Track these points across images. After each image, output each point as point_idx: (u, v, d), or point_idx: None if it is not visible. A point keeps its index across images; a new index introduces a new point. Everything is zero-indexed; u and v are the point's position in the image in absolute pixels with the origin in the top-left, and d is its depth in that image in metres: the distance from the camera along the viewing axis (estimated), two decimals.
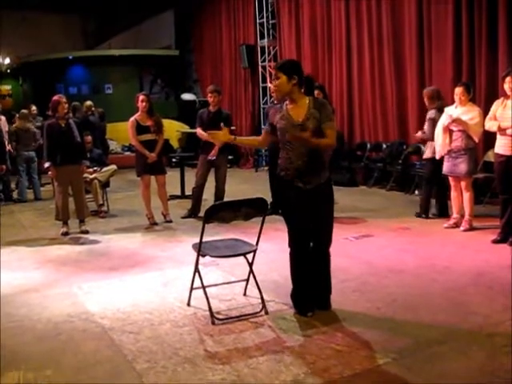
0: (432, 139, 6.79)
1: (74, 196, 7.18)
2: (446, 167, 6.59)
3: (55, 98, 7.00)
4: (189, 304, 4.37)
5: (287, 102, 4.07)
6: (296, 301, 4.18)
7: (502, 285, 4.55)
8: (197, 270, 4.21)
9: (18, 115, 10.70)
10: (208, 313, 4.05)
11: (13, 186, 10.30)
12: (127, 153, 15.02)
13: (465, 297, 4.38)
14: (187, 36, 17.45)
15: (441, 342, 3.56)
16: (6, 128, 10.25)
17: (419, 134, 7.26)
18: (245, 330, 3.87)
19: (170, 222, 7.56)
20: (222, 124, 4.42)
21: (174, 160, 11.77)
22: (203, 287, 4.15)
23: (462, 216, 6.60)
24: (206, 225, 4.01)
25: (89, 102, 11.88)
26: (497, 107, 5.95)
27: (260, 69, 13.64)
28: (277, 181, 4.32)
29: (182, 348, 3.61)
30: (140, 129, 7.36)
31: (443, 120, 6.52)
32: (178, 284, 4.89)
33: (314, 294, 4.18)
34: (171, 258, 5.84)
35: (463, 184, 6.49)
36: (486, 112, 6.27)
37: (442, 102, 6.97)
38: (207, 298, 4.10)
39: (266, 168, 11.23)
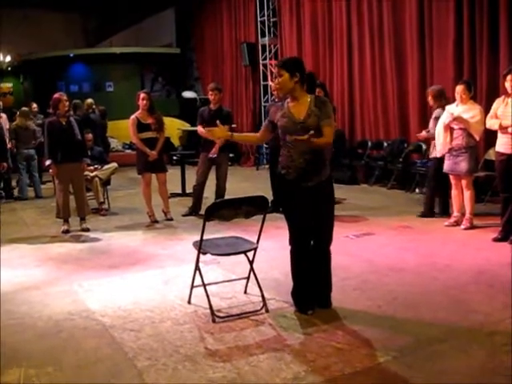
0: None
1: (74, 194, 7.18)
2: (446, 165, 6.59)
3: (56, 95, 7.01)
4: (189, 302, 4.37)
5: (288, 99, 4.07)
6: (297, 299, 4.18)
7: (502, 283, 4.54)
8: (197, 267, 4.22)
9: (18, 113, 10.70)
10: (209, 311, 4.05)
11: (14, 183, 10.32)
12: (128, 151, 15.01)
13: (465, 295, 4.38)
14: (188, 34, 17.45)
15: (441, 340, 3.56)
16: (6, 126, 10.27)
17: (423, 133, 7.25)
18: (245, 328, 3.87)
19: (171, 219, 7.56)
20: (218, 121, 4.42)
21: (174, 158, 11.76)
22: (204, 285, 4.15)
23: (463, 214, 6.59)
24: (207, 223, 4.01)
25: (89, 100, 11.90)
26: (498, 105, 5.95)
27: (261, 67, 13.64)
28: (278, 179, 4.31)
29: (183, 346, 3.61)
30: (141, 127, 7.36)
31: (444, 118, 6.52)
32: (179, 282, 4.89)
33: (315, 291, 4.18)
34: (172, 256, 5.85)
35: (464, 182, 6.49)
36: (486, 110, 6.27)
37: (446, 101, 6.95)
38: (208, 296, 4.10)
39: (267, 166, 11.22)
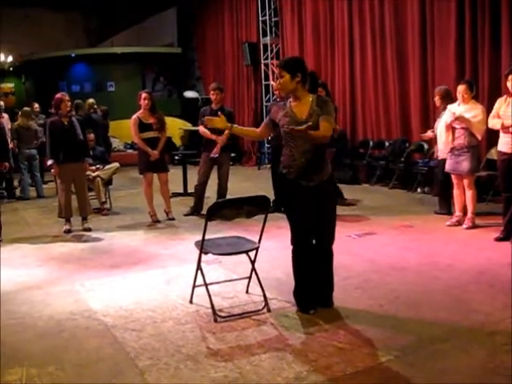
0: None
1: (76, 194, 7.19)
2: (448, 165, 6.58)
3: (58, 95, 7.02)
4: (191, 301, 4.37)
5: (291, 99, 4.07)
6: (298, 298, 4.18)
7: (503, 283, 4.54)
8: (199, 267, 4.22)
9: (20, 113, 10.71)
10: (210, 310, 4.06)
11: (16, 183, 10.33)
12: (130, 150, 15.01)
13: (467, 294, 4.38)
14: (190, 34, 17.43)
15: (443, 340, 3.56)
16: (8, 126, 10.28)
17: (429, 133, 7.24)
18: (247, 328, 3.88)
19: (173, 219, 7.56)
20: (219, 112, 4.41)
21: (176, 158, 11.77)
22: (205, 285, 4.16)
23: (465, 214, 6.59)
24: (209, 222, 4.02)
25: (91, 100, 11.90)
26: (500, 105, 5.95)
27: (262, 66, 13.64)
28: (279, 178, 4.31)
29: (185, 345, 3.61)
30: (142, 126, 7.36)
31: (446, 118, 6.52)
32: (181, 281, 4.89)
33: (317, 291, 4.19)
34: (174, 256, 5.85)
35: (466, 182, 6.48)
36: (488, 110, 6.27)
37: (452, 101, 6.92)
38: (209, 296, 4.10)
39: (269, 165, 11.21)
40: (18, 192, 10.18)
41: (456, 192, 6.69)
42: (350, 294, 4.47)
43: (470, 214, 6.51)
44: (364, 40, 10.58)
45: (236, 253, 4.26)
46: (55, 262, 5.79)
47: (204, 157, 7.75)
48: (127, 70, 17.89)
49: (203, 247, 4.12)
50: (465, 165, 6.41)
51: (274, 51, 13.42)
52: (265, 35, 13.44)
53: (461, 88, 6.44)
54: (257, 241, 4.29)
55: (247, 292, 4.55)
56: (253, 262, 4.31)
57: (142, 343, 3.67)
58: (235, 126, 4.46)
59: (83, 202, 7.15)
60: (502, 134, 5.92)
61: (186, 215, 7.80)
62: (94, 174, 8.23)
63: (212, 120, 4.44)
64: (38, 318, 4.19)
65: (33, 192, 10.21)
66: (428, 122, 8.98)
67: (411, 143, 9.57)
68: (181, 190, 9.56)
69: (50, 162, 6.96)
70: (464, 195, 6.56)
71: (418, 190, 9.08)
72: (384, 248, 5.86)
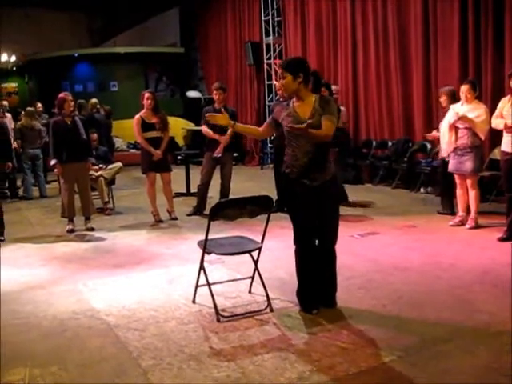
0: None
1: (79, 193, 7.20)
2: (451, 165, 6.57)
3: (61, 95, 7.02)
4: (194, 301, 4.38)
5: (294, 99, 4.07)
6: (301, 298, 4.18)
7: (506, 283, 4.52)
8: (202, 267, 4.22)
9: (23, 113, 10.72)
10: (213, 310, 4.06)
11: (19, 183, 10.34)
12: (133, 150, 15.04)
13: (470, 294, 4.37)
14: (192, 33, 17.45)
15: (446, 340, 3.55)
16: (12, 125, 10.29)
17: (434, 133, 7.23)
18: (250, 328, 3.87)
19: (176, 219, 7.57)
20: (222, 109, 4.41)
21: (179, 157, 11.77)
22: (208, 284, 4.16)
23: (468, 214, 6.58)
24: (212, 222, 4.02)
25: (94, 100, 11.90)
26: (503, 105, 5.94)
27: (265, 66, 13.64)
28: (282, 178, 4.31)
29: (188, 345, 3.61)
30: (145, 126, 7.37)
31: (449, 117, 6.51)
32: (184, 281, 4.90)
33: (320, 291, 4.18)
34: (176, 256, 5.85)
35: (469, 182, 6.47)
36: (491, 110, 6.26)
37: (457, 102, 6.91)
38: (212, 296, 4.10)
39: (272, 165, 11.21)
40: (21, 192, 10.20)
41: (459, 192, 6.68)
42: (353, 293, 4.46)
43: (473, 214, 6.49)
44: (367, 40, 10.56)
45: (239, 253, 4.26)
46: (58, 261, 5.80)
47: (207, 157, 7.75)
48: (130, 70, 17.91)
49: (206, 247, 4.12)
50: (468, 165, 6.40)
51: (277, 51, 13.41)
52: (267, 35, 13.44)
53: (464, 88, 6.43)
54: (260, 241, 4.28)
55: (250, 292, 4.55)
56: (256, 262, 4.31)
57: (144, 343, 3.67)
58: (238, 124, 4.47)
59: (86, 201, 7.16)
60: (505, 134, 5.91)
61: (188, 215, 7.80)
62: (97, 174, 8.24)
63: (215, 117, 4.44)
64: (42, 317, 4.20)
65: (36, 192, 10.22)
66: (431, 121, 8.97)
67: (414, 143, 9.55)
68: (184, 190, 9.57)
69: (53, 162, 6.96)
70: (467, 195, 6.55)
71: (421, 189, 9.07)
72: (387, 248, 5.85)
